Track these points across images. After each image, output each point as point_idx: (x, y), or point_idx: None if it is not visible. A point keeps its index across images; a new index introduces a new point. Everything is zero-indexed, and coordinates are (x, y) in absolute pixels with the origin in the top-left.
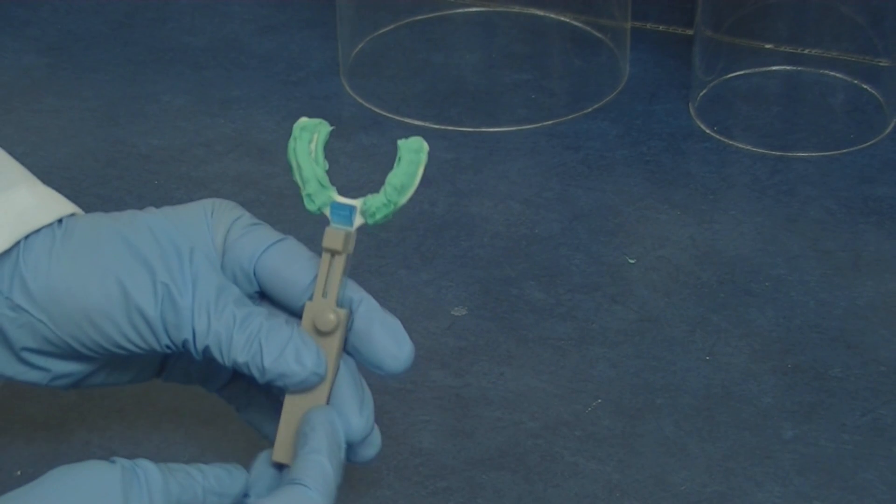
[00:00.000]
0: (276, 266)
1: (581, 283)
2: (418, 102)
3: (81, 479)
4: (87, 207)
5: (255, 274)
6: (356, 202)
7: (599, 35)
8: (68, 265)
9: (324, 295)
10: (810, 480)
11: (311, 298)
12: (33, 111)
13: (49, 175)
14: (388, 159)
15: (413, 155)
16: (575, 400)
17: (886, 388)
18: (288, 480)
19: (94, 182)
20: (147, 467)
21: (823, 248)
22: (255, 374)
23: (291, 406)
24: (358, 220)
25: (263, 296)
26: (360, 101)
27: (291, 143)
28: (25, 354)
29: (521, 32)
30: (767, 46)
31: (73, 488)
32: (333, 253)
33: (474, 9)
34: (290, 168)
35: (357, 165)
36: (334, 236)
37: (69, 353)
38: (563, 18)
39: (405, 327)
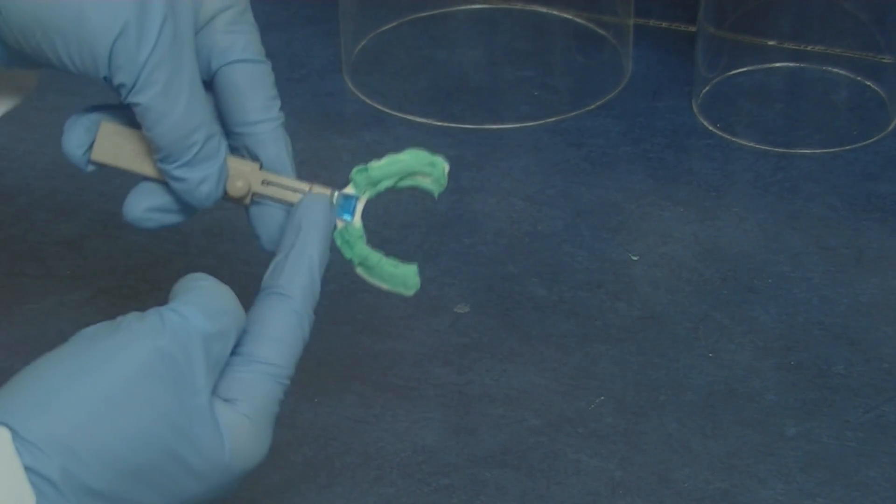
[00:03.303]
0: (237, 85)
1: (584, 280)
2: (421, 99)
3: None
4: (91, 205)
5: (214, 75)
6: (363, 197)
7: (602, 32)
8: None
9: None
10: (813, 478)
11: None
12: (36, 108)
13: (52, 172)
14: None
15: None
16: (578, 397)
17: (890, 385)
18: (273, 289)
19: (98, 179)
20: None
21: (826, 245)
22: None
23: None
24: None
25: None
26: (363, 98)
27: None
28: None
29: (524, 29)
30: (770, 43)
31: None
32: None
33: (477, 6)
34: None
35: (359, 163)
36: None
37: (17, 56)
38: (565, 15)
39: (407, 325)
